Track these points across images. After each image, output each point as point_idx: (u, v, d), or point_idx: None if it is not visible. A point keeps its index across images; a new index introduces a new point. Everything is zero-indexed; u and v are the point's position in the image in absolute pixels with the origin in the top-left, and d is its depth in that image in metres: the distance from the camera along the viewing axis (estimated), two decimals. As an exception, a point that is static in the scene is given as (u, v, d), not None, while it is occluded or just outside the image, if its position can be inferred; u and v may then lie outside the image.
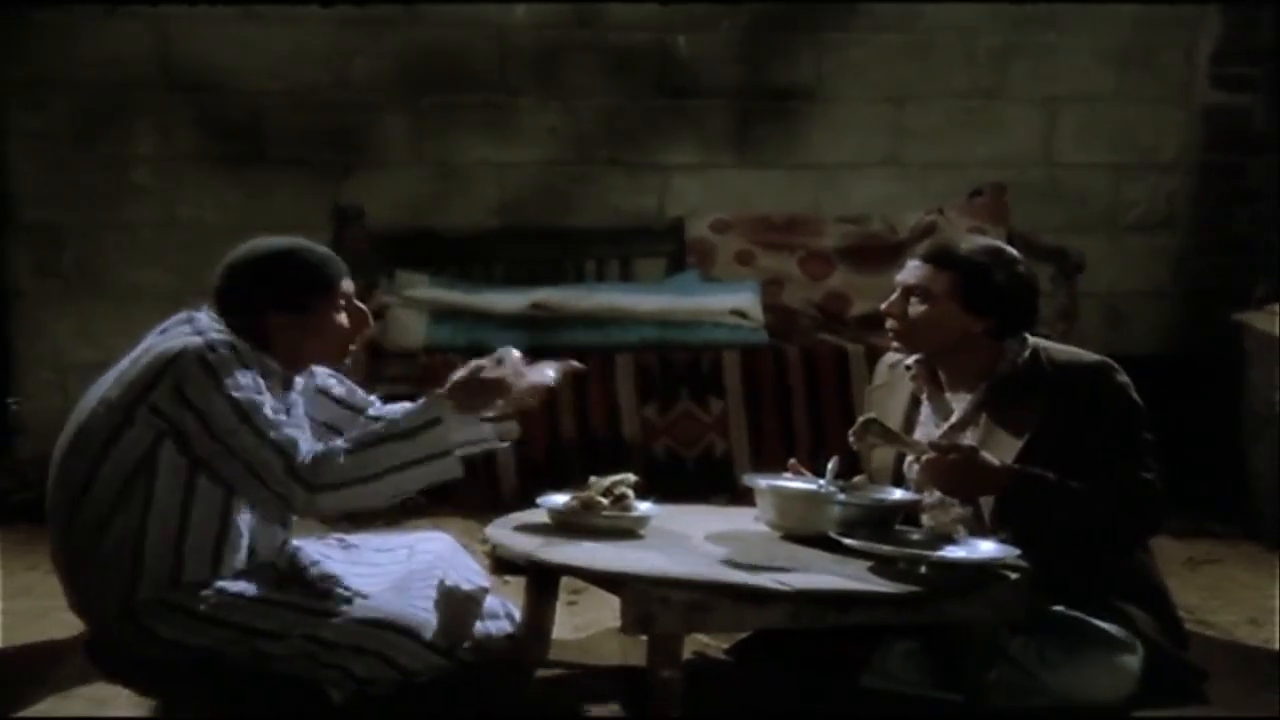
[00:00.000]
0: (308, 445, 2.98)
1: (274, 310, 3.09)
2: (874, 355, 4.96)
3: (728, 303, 5.15)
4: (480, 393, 3.06)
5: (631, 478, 3.32)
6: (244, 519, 3.06)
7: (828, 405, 5.08)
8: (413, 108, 5.50)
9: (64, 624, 3.74)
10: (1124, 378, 3.33)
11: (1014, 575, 3.11)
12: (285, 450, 2.94)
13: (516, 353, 3.12)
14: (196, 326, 3.06)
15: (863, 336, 5.21)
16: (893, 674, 3.22)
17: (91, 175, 5.39)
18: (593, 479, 3.31)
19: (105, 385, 3.10)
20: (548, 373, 3.14)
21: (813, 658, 3.29)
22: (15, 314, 5.41)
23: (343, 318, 3.15)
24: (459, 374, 3.08)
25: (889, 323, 3.41)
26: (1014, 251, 3.42)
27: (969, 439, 3.32)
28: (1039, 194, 5.74)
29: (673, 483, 4.42)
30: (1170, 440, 3.34)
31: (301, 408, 3.19)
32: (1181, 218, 5.90)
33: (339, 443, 3.01)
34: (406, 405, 3.12)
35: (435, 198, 5.53)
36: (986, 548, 3.16)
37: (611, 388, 5.02)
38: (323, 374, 3.31)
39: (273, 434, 2.95)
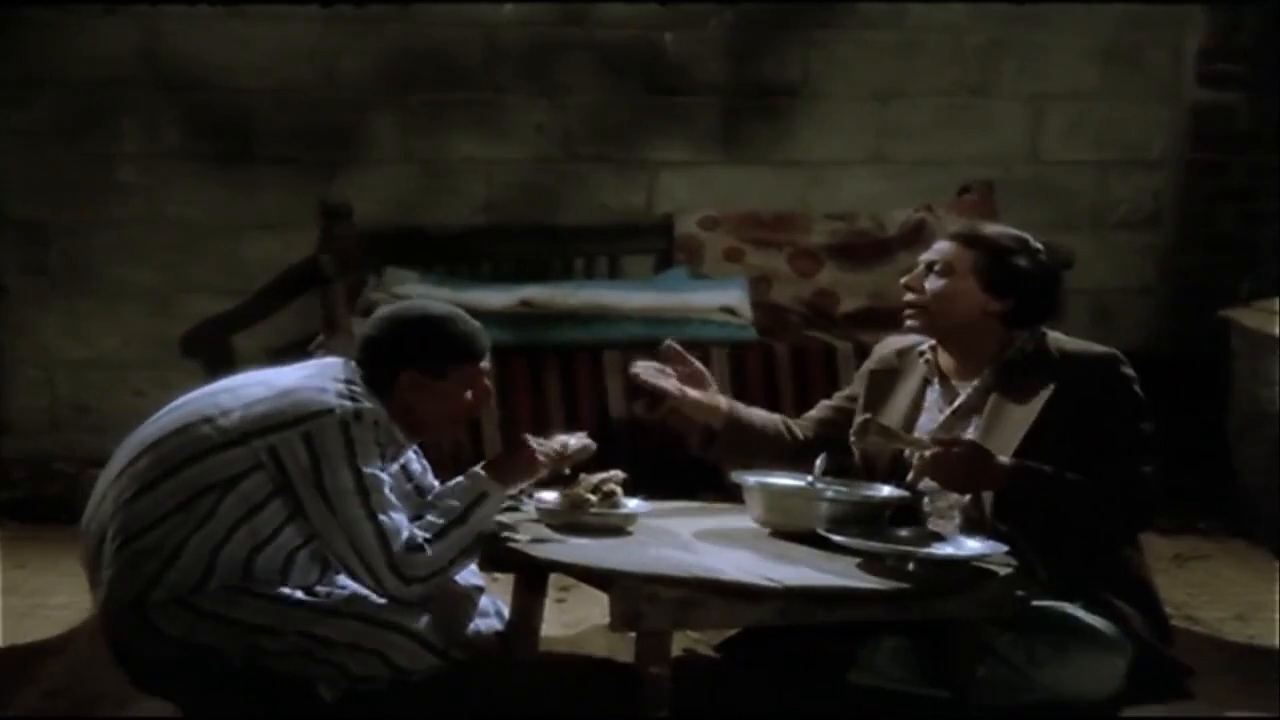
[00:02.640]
0: (406, 532, 3.05)
1: (409, 366, 3.15)
2: (863, 352, 4.97)
3: (716, 300, 5.15)
4: (517, 469, 3.21)
5: (620, 475, 3.33)
6: (284, 548, 3.08)
7: (816, 402, 5.04)
8: (401, 105, 5.49)
9: (52, 622, 3.75)
10: (1130, 370, 3.35)
11: (1002, 572, 3.12)
12: (388, 538, 3.03)
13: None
14: (352, 388, 3.10)
15: (851, 333, 5.22)
16: (881, 671, 3.23)
17: (78, 172, 5.37)
18: (581, 476, 3.31)
19: (226, 398, 3.12)
20: (587, 442, 3.30)
21: (801, 654, 3.29)
22: (1, 311, 5.40)
23: (469, 394, 3.21)
24: (501, 454, 3.27)
25: (908, 295, 3.43)
26: (1040, 244, 3.45)
27: (974, 424, 3.33)
28: (1026, 191, 5.75)
29: (661, 480, 4.41)
30: (1158, 436, 3.35)
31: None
32: (1168, 215, 5.91)
33: (418, 534, 3.07)
34: (455, 485, 3.22)
35: (423, 195, 5.53)
36: (974, 545, 3.17)
37: (600, 385, 5.02)
38: (411, 452, 3.35)
39: (382, 516, 3.02)
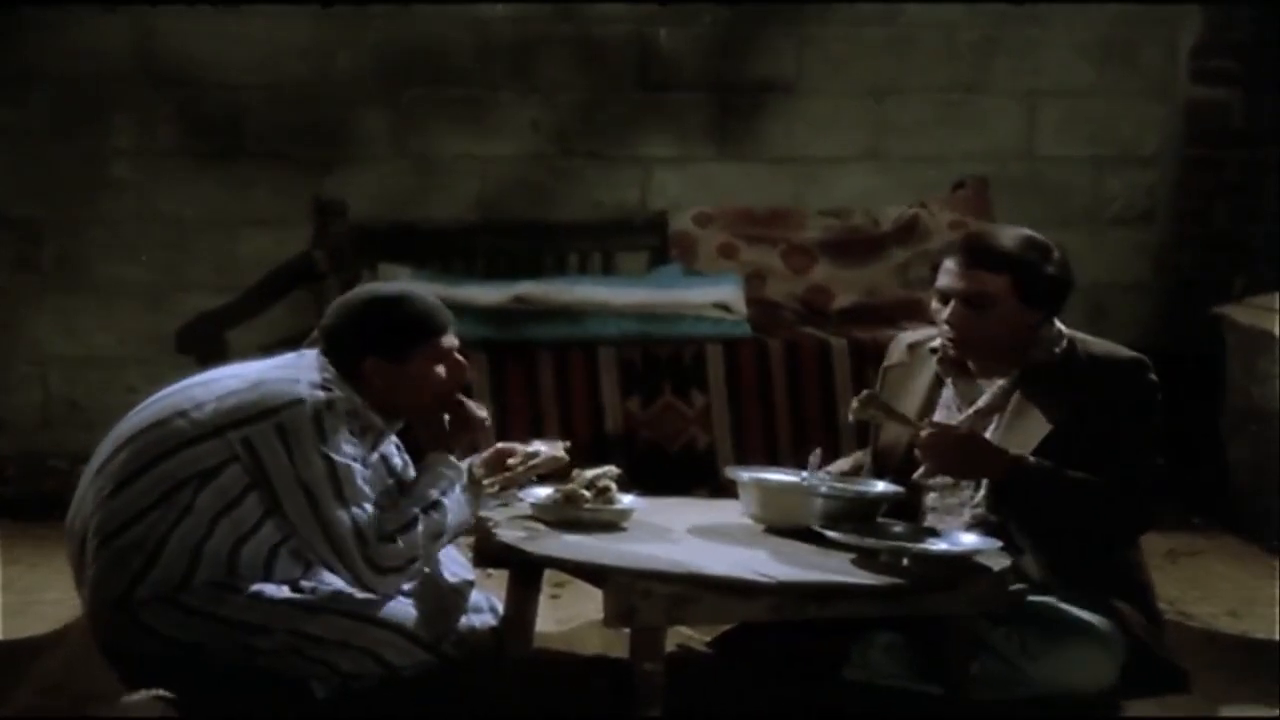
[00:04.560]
0: (378, 524, 3.04)
1: (371, 353, 3.12)
2: (857, 348, 4.99)
3: (710, 296, 5.15)
4: (456, 431, 3.20)
5: (614, 471, 3.32)
6: (266, 542, 3.07)
7: (810, 398, 5.08)
8: (394, 101, 5.48)
9: (45, 619, 3.74)
10: (1154, 377, 3.33)
11: (996, 567, 3.12)
12: (362, 530, 3.01)
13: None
14: (325, 378, 3.09)
15: (845, 330, 5.21)
16: (874, 667, 3.23)
17: (71, 169, 5.37)
18: (576, 472, 3.31)
19: (200, 391, 3.10)
20: (559, 454, 3.27)
21: (795, 651, 3.29)
22: (-6, 308, 5.40)
23: (440, 370, 3.18)
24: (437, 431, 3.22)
25: (947, 330, 3.32)
26: (1045, 238, 3.41)
27: (995, 423, 3.32)
28: (1020, 188, 5.74)
29: (655, 476, 4.42)
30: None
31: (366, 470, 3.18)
32: (1162, 212, 5.91)
33: (385, 525, 3.06)
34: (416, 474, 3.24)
35: (416, 191, 5.52)
36: (968, 540, 3.17)
37: (594, 381, 5.01)
38: (390, 442, 3.33)
39: (355, 508, 3.01)
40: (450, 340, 3.20)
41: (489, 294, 5.04)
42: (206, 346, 5.40)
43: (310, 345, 4.73)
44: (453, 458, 3.18)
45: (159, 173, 5.40)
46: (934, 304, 3.37)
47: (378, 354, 3.12)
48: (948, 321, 3.32)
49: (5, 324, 5.39)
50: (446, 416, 3.22)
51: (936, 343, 3.44)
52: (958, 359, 3.37)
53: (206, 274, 5.44)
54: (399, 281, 3.38)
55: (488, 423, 3.29)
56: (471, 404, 3.25)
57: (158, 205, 5.41)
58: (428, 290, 4.98)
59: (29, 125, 5.34)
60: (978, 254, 3.31)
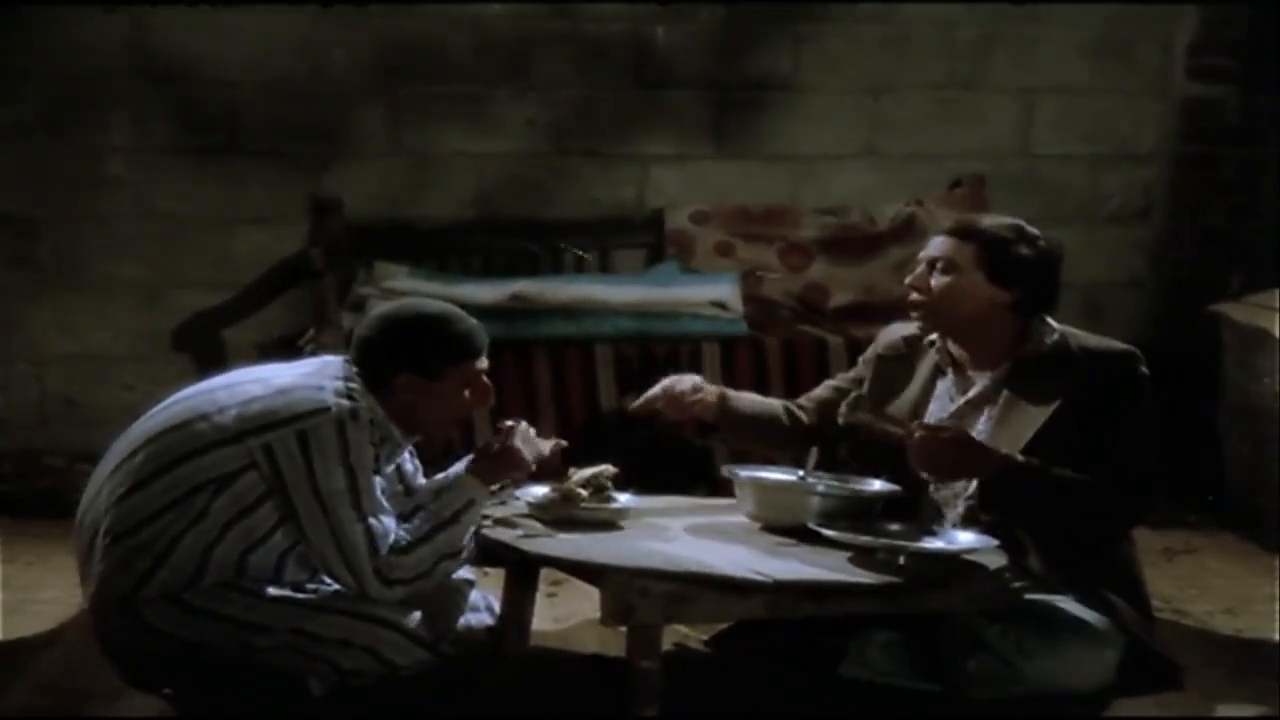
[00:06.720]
0: (393, 535, 3.05)
1: (407, 368, 3.13)
2: (853, 346, 4.97)
3: (707, 294, 5.15)
4: (501, 469, 3.20)
5: (611, 469, 3.33)
6: (276, 549, 3.08)
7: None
8: (390, 99, 5.48)
9: (41, 617, 3.74)
10: (1146, 369, 3.35)
11: (992, 566, 3.12)
12: (375, 540, 3.02)
13: (525, 424, 3.28)
14: (350, 388, 3.08)
15: (842, 328, 5.22)
16: (872, 664, 3.23)
17: (67, 167, 5.36)
18: (572, 470, 3.31)
19: (223, 395, 3.10)
20: (543, 447, 3.27)
21: (792, 649, 3.30)
22: (-10, 306, 5.39)
23: (467, 393, 3.19)
24: (480, 451, 3.23)
25: (913, 296, 3.40)
26: (1035, 230, 3.44)
27: (986, 415, 3.32)
28: (1017, 185, 5.74)
29: (652, 474, 4.41)
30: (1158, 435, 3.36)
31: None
32: (1158, 209, 5.91)
33: (401, 536, 3.07)
34: (438, 483, 3.24)
35: (413, 189, 5.52)
36: (964, 538, 3.17)
37: (591, 379, 5.01)
38: (405, 452, 3.34)
39: (372, 519, 3.02)
40: (483, 363, 3.21)
41: (485, 292, 5.04)
42: (203, 344, 5.39)
43: (308, 343, 4.77)
44: (477, 482, 3.17)
45: (155, 170, 5.39)
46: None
47: (414, 370, 3.13)
48: (910, 284, 3.40)
49: (2, 322, 5.38)
50: (494, 447, 3.22)
51: (935, 335, 3.46)
52: (925, 328, 3.43)
53: (203, 271, 5.43)
54: (435, 298, 3.36)
55: (533, 468, 3.27)
56: (519, 444, 3.22)
57: (154, 203, 5.40)
58: (426, 288, 5.06)
59: (25, 123, 5.33)
60: (955, 225, 3.45)
